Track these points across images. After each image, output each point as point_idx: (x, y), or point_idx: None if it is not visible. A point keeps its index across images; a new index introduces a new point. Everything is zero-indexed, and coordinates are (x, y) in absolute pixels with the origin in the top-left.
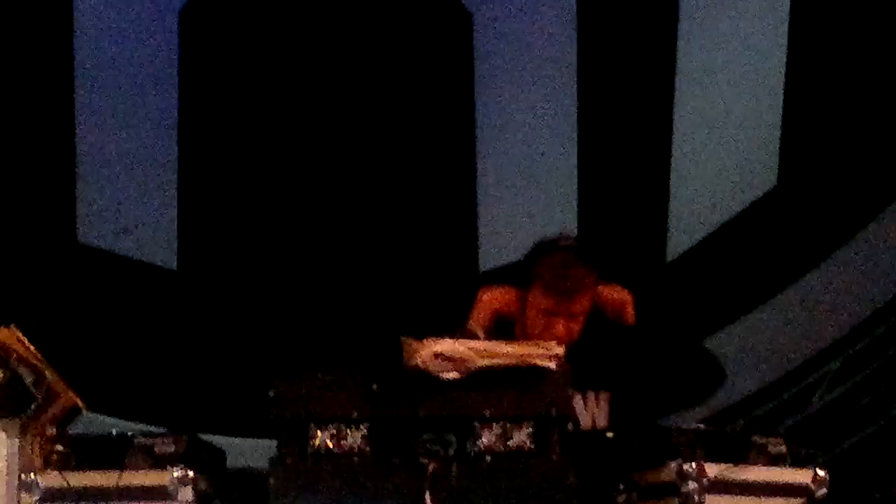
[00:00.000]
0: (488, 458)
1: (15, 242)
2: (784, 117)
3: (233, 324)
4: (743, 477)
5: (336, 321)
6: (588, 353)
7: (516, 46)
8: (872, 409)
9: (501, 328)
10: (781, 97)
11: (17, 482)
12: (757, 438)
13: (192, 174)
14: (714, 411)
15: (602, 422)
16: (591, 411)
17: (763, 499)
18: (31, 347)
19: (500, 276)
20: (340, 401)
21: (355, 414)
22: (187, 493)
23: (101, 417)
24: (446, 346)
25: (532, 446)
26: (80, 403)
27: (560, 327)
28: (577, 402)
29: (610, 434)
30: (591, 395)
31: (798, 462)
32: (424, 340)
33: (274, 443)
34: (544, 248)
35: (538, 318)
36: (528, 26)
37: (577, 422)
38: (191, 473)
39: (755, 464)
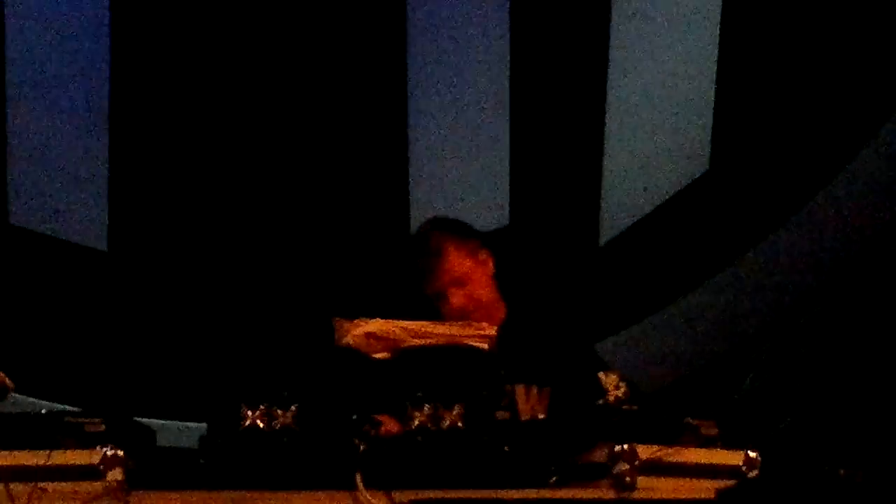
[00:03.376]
0: (419, 438)
1: None
2: (717, 101)
3: (163, 306)
4: (675, 459)
5: (267, 300)
6: (527, 345)
7: (450, 26)
8: (805, 391)
9: None
10: (714, 80)
11: None
12: (689, 420)
13: (123, 156)
14: (646, 393)
15: (541, 415)
16: (531, 405)
17: (695, 480)
18: None
19: None
20: (270, 380)
21: (285, 394)
22: (117, 473)
23: (31, 399)
24: (377, 325)
25: (463, 427)
26: (8, 383)
27: (456, 297)
28: (519, 395)
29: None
30: (532, 390)
31: (730, 444)
32: (356, 320)
33: (204, 424)
34: None
35: (440, 301)
36: (462, 8)
37: (515, 413)
38: (120, 453)
39: (688, 446)
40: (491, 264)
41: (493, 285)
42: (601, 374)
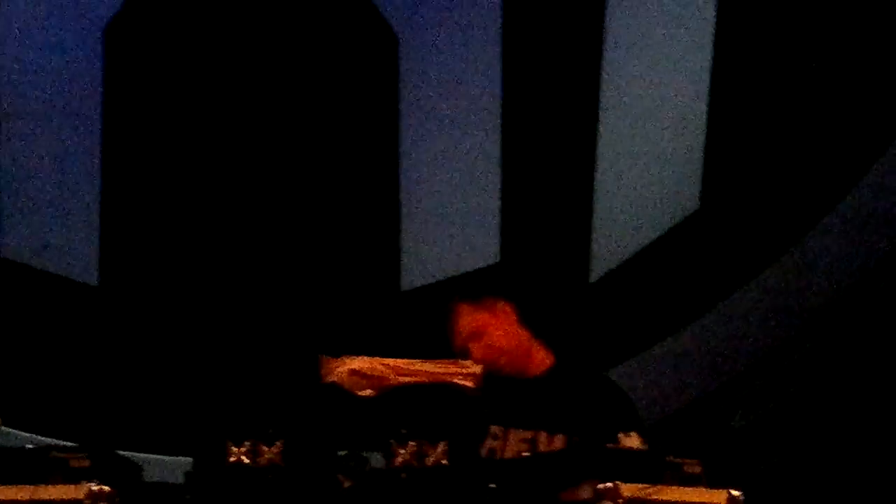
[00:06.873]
0: (404, 475)
1: None
2: (707, 139)
3: (151, 340)
4: (658, 497)
5: (253, 337)
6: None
7: (442, 70)
8: (792, 431)
9: None
10: (705, 118)
11: None
12: (672, 459)
13: (114, 190)
14: None
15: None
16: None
17: None
18: None
19: (421, 295)
20: (256, 417)
21: (271, 430)
22: None
23: (17, 432)
24: (363, 363)
25: (448, 464)
26: None
27: (476, 350)
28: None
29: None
30: (542, 436)
31: (713, 483)
32: (341, 358)
33: (190, 459)
34: None
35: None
36: (455, 51)
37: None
38: (106, 488)
39: (670, 484)
40: (512, 314)
41: (517, 333)
42: (621, 435)
